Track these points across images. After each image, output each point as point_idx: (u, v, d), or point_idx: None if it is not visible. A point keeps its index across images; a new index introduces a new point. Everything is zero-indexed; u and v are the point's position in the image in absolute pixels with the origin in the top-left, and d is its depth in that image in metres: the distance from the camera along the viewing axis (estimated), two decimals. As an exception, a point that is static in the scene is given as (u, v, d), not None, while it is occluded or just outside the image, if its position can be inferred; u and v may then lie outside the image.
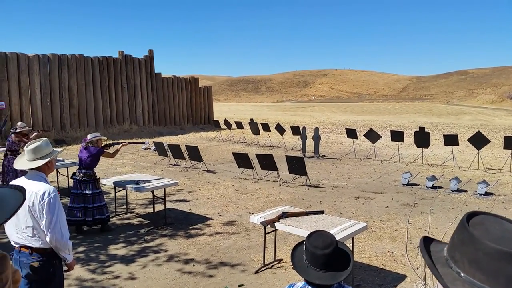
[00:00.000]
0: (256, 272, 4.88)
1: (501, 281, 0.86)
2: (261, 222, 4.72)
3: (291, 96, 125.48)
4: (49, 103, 18.86)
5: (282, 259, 5.24)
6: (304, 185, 9.44)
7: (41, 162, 2.93)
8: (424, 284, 3.97)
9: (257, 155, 10.25)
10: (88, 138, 6.31)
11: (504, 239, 0.88)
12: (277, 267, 5.04)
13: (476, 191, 8.59)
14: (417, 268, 4.61)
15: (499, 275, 0.86)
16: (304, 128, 14.57)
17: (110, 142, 7.43)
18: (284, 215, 4.76)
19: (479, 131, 12.46)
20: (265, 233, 4.97)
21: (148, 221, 6.93)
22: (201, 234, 6.25)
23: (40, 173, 2.96)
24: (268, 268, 5.01)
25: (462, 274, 0.91)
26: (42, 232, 2.81)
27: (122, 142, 6.96)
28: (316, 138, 13.87)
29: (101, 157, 6.44)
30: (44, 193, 2.80)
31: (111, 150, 6.64)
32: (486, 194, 8.45)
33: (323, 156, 14.18)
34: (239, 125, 19.85)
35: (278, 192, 8.91)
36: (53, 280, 2.94)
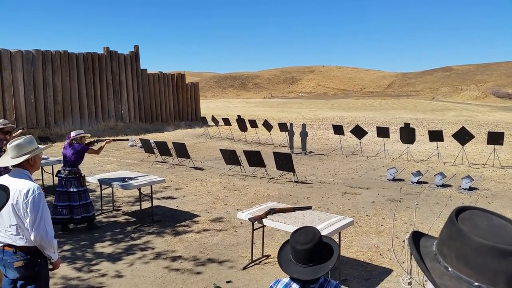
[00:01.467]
0: (244, 268, 4.88)
1: (487, 275, 0.86)
2: (249, 219, 4.71)
3: (278, 93, 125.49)
4: (33, 100, 18.55)
5: (270, 255, 5.25)
6: (292, 181, 9.47)
7: (22, 159, 2.87)
8: (410, 278, 4.01)
9: (244, 151, 10.24)
10: (72, 135, 6.23)
11: (491, 234, 0.89)
12: (265, 263, 5.05)
13: (460, 186, 8.73)
14: (403, 262, 4.67)
15: (486, 269, 0.87)
16: (291, 124, 14.60)
17: (94, 139, 7.36)
18: (272, 211, 4.76)
19: (463, 127, 12.65)
20: (253, 229, 4.98)
21: (134, 219, 6.88)
22: (188, 231, 6.23)
23: (24, 170, 2.90)
24: (256, 264, 5.01)
25: (449, 269, 0.92)
26: (27, 231, 2.77)
27: (106, 139, 6.90)
28: (303, 135, 13.92)
29: (86, 154, 6.38)
30: (28, 191, 2.75)
31: (95, 147, 6.60)
32: (470, 188, 8.58)
33: (310, 152, 14.25)
34: (227, 121, 19.80)
35: (265, 189, 8.92)
36: (38, 279, 2.90)
